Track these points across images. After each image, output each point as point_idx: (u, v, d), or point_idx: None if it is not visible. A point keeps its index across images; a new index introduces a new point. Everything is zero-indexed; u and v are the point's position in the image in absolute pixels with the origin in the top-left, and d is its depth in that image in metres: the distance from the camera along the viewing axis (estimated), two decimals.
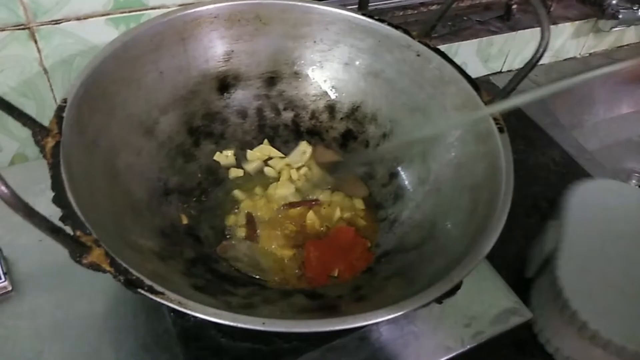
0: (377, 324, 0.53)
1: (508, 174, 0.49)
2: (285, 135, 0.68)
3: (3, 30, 0.59)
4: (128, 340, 0.50)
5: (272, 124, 0.67)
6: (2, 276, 0.51)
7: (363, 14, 0.63)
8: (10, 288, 0.52)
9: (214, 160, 0.64)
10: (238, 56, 0.63)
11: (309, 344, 0.51)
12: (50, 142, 0.42)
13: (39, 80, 0.65)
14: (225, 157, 0.65)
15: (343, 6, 0.64)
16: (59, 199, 0.39)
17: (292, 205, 0.61)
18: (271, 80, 0.66)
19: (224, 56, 0.62)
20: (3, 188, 0.31)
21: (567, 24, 1.07)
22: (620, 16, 1.04)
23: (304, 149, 0.66)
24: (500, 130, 0.52)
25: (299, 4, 0.62)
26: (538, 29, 1.01)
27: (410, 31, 0.62)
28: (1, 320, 0.50)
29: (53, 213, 0.38)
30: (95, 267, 0.37)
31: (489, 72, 1.05)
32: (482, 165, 0.53)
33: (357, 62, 0.65)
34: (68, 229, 0.38)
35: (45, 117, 0.67)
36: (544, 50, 0.53)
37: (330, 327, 0.37)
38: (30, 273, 0.54)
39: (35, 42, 0.62)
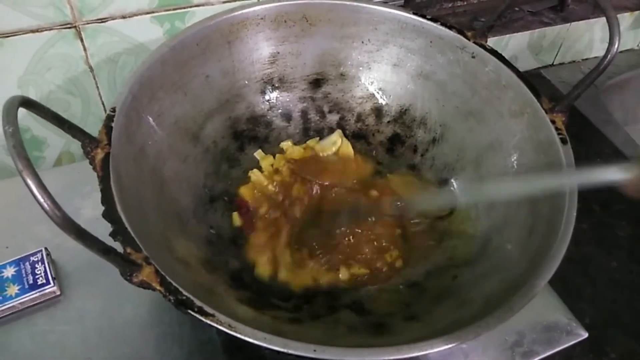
0: None
1: (572, 189, 0.46)
2: None
3: (50, 29, 0.59)
4: (173, 349, 0.50)
5: (316, 127, 0.66)
6: (51, 281, 0.52)
7: (414, 13, 0.60)
8: (58, 292, 0.53)
9: (258, 165, 0.63)
10: (283, 58, 0.62)
11: None
12: (99, 154, 0.42)
13: (84, 78, 0.65)
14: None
15: None
16: (109, 214, 0.39)
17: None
18: (317, 82, 0.64)
19: (269, 58, 0.61)
20: (56, 211, 0.31)
21: (625, 14, 1.01)
22: None
23: (335, 139, 0.64)
24: (563, 141, 0.49)
25: (347, 3, 0.60)
26: (594, 20, 0.97)
27: (465, 31, 0.59)
28: (51, 325, 0.51)
29: (100, 216, 0.39)
30: (145, 285, 0.37)
31: (539, 65, 1.00)
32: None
33: (407, 64, 0.62)
34: (117, 245, 0.37)
35: (91, 115, 0.68)
36: (613, 57, 0.49)
37: (385, 357, 0.35)
38: (77, 277, 0.54)
39: (82, 40, 0.61)
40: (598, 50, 1.04)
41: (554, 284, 0.59)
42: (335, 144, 0.64)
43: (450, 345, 0.36)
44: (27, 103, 0.36)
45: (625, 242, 0.72)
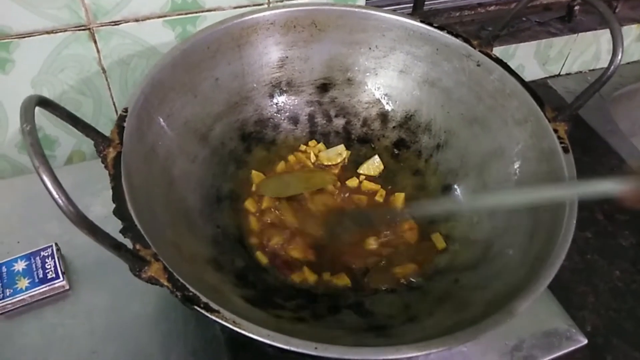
0: None
1: (572, 197, 0.47)
2: (336, 142, 0.67)
3: (65, 31, 0.60)
4: (178, 346, 0.51)
5: (323, 131, 0.67)
6: (61, 275, 0.53)
7: (422, 21, 0.61)
8: (67, 287, 0.54)
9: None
10: (292, 62, 0.63)
11: None
12: (111, 153, 0.43)
13: (97, 79, 0.66)
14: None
15: (398, 5, 0.62)
16: (120, 212, 0.40)
17: None
18: (324, 86, 0.65)
19: (278, 62, 0.62)
20: (70, 207, 0.32)
21: (632, 25, 1.01)
22: None
23: (341, 151, 0.66)
24: (565, 150, 0.50)
25: (356, 10, 0.61)
26: (601, 32, 0.97)
27: (471, 40, 0.60)
28: (59, 319, 0.52)
29: (109, 213, 0.40)
30: (153, 281, 0.38)
31: (546, 75, 1.01)
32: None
33: (413, 70, 0.63)
34: (127, 241, 0.38)
35: (102, 115, 0.69)
36: (616, 68, 0.49)
37: (384, 356, 0.36)
38: (86, 272, 0.56)
39: (95, 42, 0.63)
40: (605, 61, 1.04)
41: (557, 292, 0.59)
42: (341, 155, 0.65)
43: (448, 347, 0.37)
44: (44, 102, 0.37)
45: (629, 251, 0.73)
